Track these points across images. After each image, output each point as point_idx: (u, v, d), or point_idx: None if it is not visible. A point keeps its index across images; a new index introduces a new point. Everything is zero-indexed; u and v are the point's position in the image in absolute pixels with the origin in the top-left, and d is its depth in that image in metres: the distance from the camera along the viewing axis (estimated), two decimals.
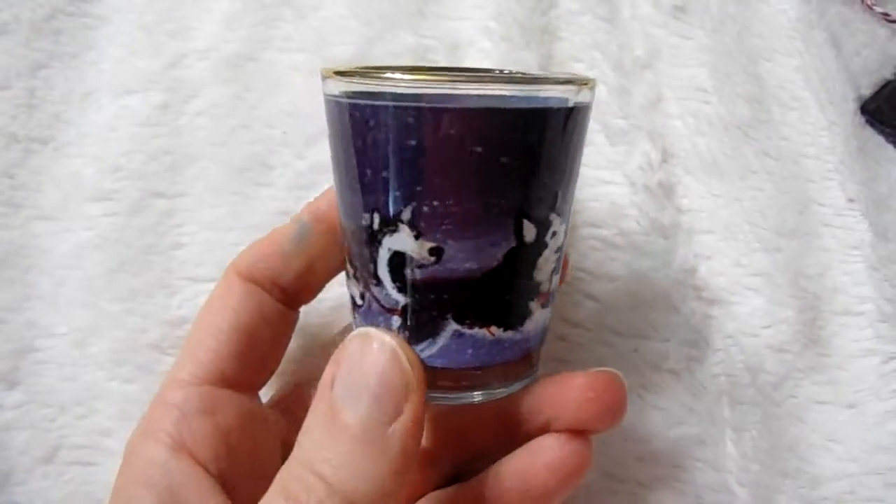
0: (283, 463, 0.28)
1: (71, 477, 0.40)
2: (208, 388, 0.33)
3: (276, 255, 0.35)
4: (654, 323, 0.42)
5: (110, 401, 0.41)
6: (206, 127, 0.45)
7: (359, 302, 0.32)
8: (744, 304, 0.43)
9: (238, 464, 0.33)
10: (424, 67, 0.33)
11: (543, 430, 0.34)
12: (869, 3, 0.48)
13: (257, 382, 0.36)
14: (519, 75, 0.37)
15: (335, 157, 0.31)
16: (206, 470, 0.31)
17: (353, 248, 0.31)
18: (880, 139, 0.47)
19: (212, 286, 0.42)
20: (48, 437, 0.40)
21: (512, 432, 0.36)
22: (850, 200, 0.45)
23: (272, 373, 0.37)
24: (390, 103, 0.28)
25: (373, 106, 0.28)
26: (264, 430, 0.35)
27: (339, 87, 0.29)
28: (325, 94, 0.31)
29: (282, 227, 0.36)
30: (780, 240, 0.44)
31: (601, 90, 0.46)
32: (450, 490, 0.38)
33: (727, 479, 0.40)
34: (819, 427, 0.42)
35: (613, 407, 0.33)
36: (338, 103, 0.29)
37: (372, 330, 0.29)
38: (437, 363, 0.31)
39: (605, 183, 0.44)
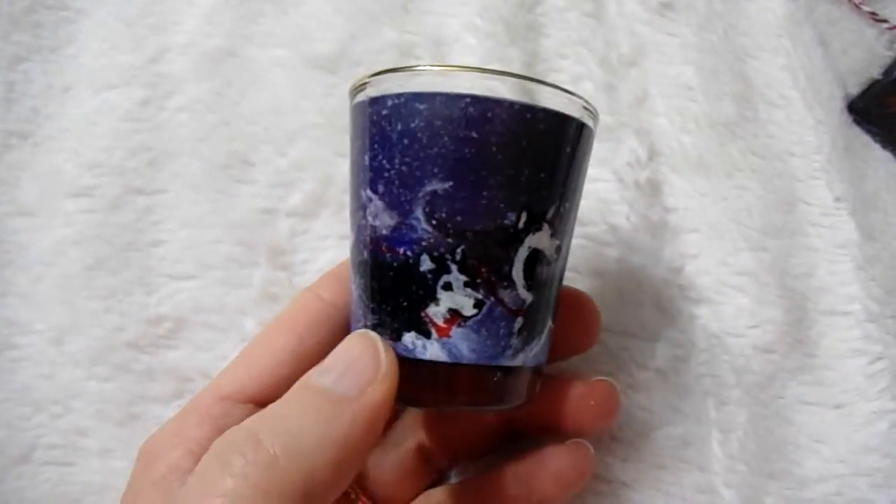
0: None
1: (47, 477, 0.39)
2: (251, 407, 0.32)
3: None
4: (642, 321, 0.42)
5: (87, 400, 0.40)
6: (186, 123, 0.45)
7: (469, 312, 0.30)
8: (730, 304, 0.42)
9: None
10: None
11: (542, 432, 0.36)
12: (856, 1, 0.48)
13: None
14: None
15: (460, 162, 0.29)
16: None
17: (481, 252, 0.30)
18: (867, 138, 0.47)
19: (191, 284, 0.42)
20: (24, 437, 0.40)
21: (510, 434, 0.36)
22: (837, 199, 0.45)
23: None
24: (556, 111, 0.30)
25: (547, 112, 0.30)
26: None
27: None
28: (466, 99, 0.29)
29: None
30: (766, 239, 0.44)
31: (588, 86, 0.46)
32: (447, 489, 0.38)
33: (713, 480, 0.40)
34: (806, 428, 0.41)
35: (610, 413, 0.37)
36: (488, 109, 0.29)
37: (358, 330, 0.30)
38: (531, 363, 0.32)
39: (592, 180, 0.44)
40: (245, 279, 0.42)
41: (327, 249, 0.43)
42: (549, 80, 0.46)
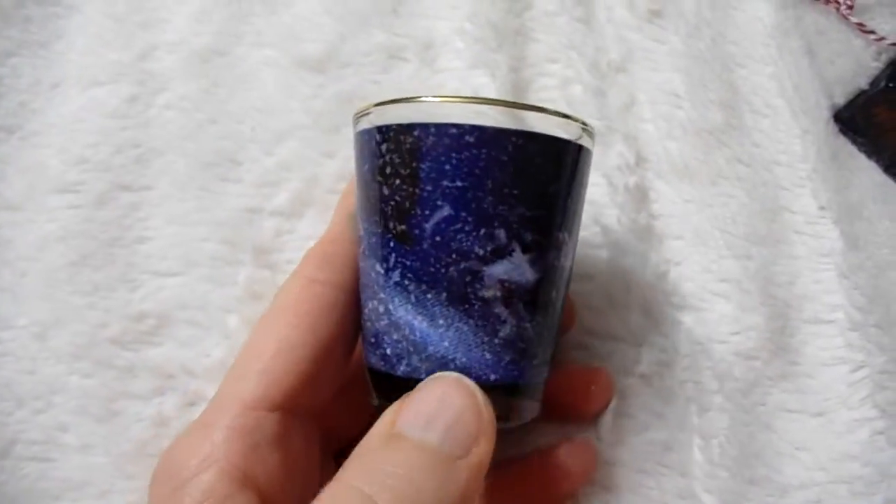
0: None
1: (27, 472, 0.39)
2: (280, 415, 0.31)
3: (348, 249, 0.34)
4: (628, 326, 0.42)
5: (69, 395, 0.40)
6: (174, 121, 0.45)
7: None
8: (713, 311, 0.43)
9: (298, 498, 0.30)
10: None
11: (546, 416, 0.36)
12: (844, 12, 0.48)
13: (320, 406, 0.34)
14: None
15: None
16: None
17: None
18: (853, 148, 0.47)
19: (176, 281, 0.42)
20: (5, 432, 0.39)
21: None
22: (822, 208, 0.45)
23: (331, 395, 0.34)
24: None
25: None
26: (320, 460, 0.34)
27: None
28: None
29: (336, 222, 0.36)
30: (750, 246, 0.44)
31: (577, 90, 0.46)
32: None
33: (694, 485, 0.40)
34: (787, 435, 0.41)
35: (608, 398, 0.40)
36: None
37: (448, 373, 0.29)
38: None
39: None
40: (230, 277, 0.42)
41: None
42: (538, 84, 0.47)
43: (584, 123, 0.32)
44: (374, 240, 0.31)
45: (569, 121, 0.31)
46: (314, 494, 0.31)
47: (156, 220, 0.43)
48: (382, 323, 0.31)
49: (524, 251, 0.30)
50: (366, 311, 0.32)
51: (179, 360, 0.41)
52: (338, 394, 0.34)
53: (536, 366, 0.32)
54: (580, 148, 0.32)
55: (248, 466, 0.29)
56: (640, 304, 0.42)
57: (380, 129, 0.30)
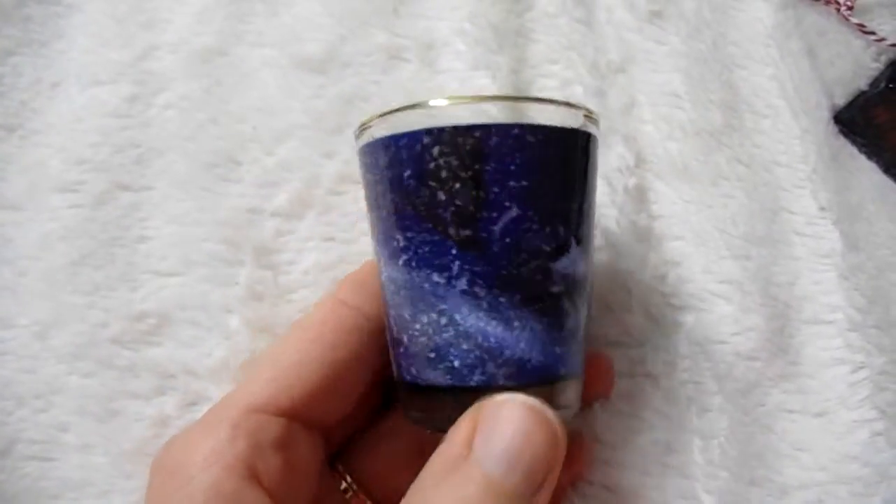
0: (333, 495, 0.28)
1: (27, 472, 0.39)
2: (285, 421, 0.31)
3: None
4: (628, 327, 0.42)
5: (69, 395, 0.40)
6: (174, 120, 0.44)
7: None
8: (713, 312, 0.42)
9: (299, 501, 0.31)
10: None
11: None
12: (845, 13, 0.48)
13: (331, 422, 0.34)
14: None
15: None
16: None
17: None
18: (853, 149, 0.47)
19: (176, 280, 0.42)
20: (5, 431, 0.39)
21: None
22: (822, 209, 0.45)
23: (343, 415, 0.35)
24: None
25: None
26: (322, 467, 0.34)
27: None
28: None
29: None
30: (750, 247, 0.44)
31: (578, 91, 0.46)
32: None
33: (694, 486, 0.40)
34: (787, 436, 0.41)
35: (611, 384, 0.41)
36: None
37: (530, 400, 0.28)
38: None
39: None
40: (230, 277, 0.42)
41: (312, 250, 0.43)
42: (538, 85, 0.47)
43: (588, 110, 0.32)
44: (426, 249, 0.30)
45: (573, 109, 0.32)
46: (313, 497, 0.32)
47: (156, 219, 0.43)
48: (447, 335, 0.30)
49: (577, 244, 0.31)
50: (417, 326, 0.31)
51: (180, 360, 0.41)
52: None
53: (584, 354, 0.33)
54: (594, 138, 0.33)
55: (251, 464, 0.29)
56: (640, 305, 0.42)
57: (429, 131, 0.29)
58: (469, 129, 0.29)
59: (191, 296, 0.42)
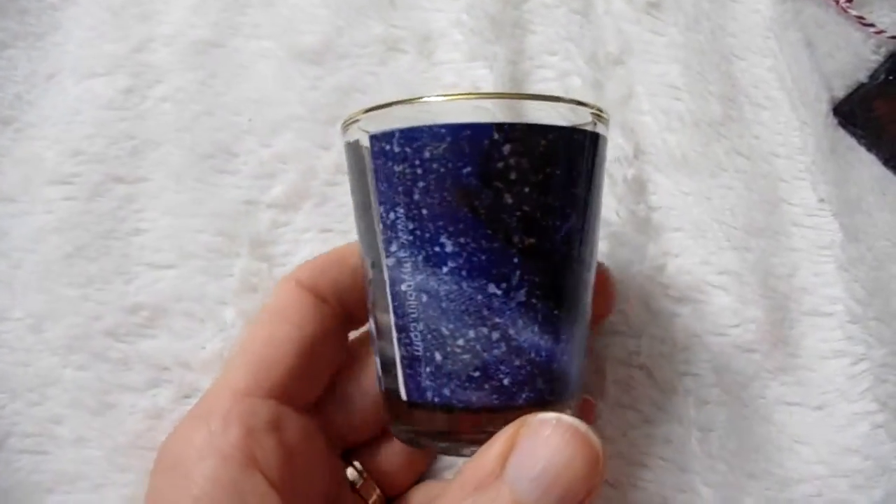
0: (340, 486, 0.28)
1: (21, 465, 0.39)
2: (273, 402, 0.31)
3: (345, 269, 0.34)
4: (627, 318, 0.42)
5: (63, 388, 0.40)
6: (170, 112, 0.44)
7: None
8: (712, 303, 0.42)
9: (300, 486, 0.31)
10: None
11: None
12: (844, 5, 0.48)
13: (311, 400, 0.34)
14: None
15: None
16: (277, 491, 0.29)
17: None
18: (852, 141, 0.47)
19: (171, 273, 0.42)
20: None
21: None
22: (821, 201, 0.45)
23: (321, 392, 0.35)
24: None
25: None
26: (321, 451, 0.34)
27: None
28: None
29: (350, 245, 0.35)
30: (749, 239, 0.43)
31: (576, 82, 0.46)
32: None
33: (693, 479, 0.40)
34: (787, 428, 0.41)
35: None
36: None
37: (576, 422, 0.27)
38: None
39: None
40: (225, 269, 0.42)
41: (308, 242, 0.43)
42: (536, 76, 0.47)
43: (598, 109, 0.31)
44: (483, 258, 0.27)
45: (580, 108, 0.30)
46: (316, 484, 0.31)
47: (151, 211, 0.43)
48: (497, 352, 0.28)
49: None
50: (460, 342, 0.28)
51: (174, 353, 0.41)
52: (353, 407, 0.36)
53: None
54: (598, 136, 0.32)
55: (248, 451, 0.29)
56: (639, 297, 0.42)
57: (499, 126, 0.26)
58: (544, 130, 0.27)
59: (186, 288, 0.41)
